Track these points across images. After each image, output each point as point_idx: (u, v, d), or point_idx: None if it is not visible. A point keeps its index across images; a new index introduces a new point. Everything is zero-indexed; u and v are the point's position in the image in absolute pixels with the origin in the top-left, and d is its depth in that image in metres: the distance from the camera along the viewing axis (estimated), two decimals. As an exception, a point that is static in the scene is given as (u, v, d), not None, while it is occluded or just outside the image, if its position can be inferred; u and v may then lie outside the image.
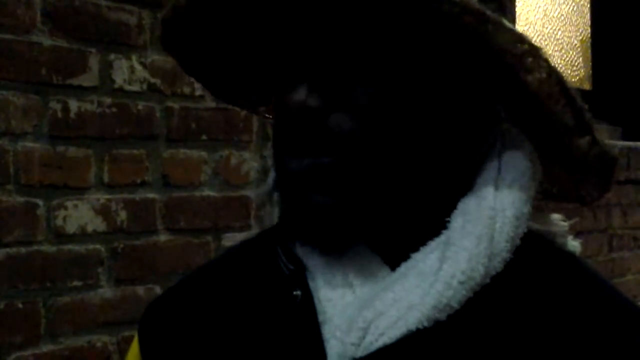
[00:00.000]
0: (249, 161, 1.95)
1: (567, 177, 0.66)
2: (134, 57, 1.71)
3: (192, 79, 1.80)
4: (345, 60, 0.60)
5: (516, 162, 0.64)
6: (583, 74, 3.45)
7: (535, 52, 0.57)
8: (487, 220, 0.61)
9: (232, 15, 0.68)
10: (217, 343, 0.68)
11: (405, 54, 0.60)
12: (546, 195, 0.69)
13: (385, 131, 0.60)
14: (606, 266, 3.10)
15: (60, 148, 1.60)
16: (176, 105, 1.80)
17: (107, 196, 1.67)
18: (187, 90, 1.81)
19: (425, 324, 0.59)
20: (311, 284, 0.64)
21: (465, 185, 0.65)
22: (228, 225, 1.90)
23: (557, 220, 0.69)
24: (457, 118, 0.63)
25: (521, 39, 0.57)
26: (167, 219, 1.78)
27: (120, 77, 1.69)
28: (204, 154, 1.86)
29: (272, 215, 0.71)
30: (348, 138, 0.60)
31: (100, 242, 1.66)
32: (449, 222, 0.63)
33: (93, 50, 1.65)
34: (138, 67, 1.72)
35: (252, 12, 0.68)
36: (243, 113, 1.93)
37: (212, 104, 1.87)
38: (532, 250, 0.64)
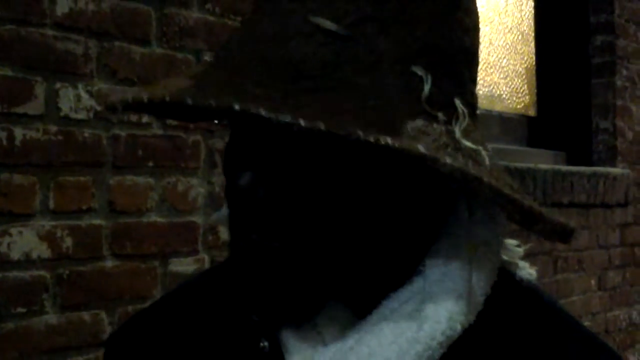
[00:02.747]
0: (197, 187, 1.97)
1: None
2: (80, 86, 1.73)
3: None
4: (285, 154, 0.61)
5: (482, 205, 0.66)
6: (528, 100, 3.53)
7: (478, 180, 0.59)
8: (466, 275, 0.62)
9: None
10: None
11: (352, 163, 0.61)
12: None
13: (330, 225, 0.61)
14: (551, 287, 3.16)
15: (5, 175, 1.61)
16: (123, 133, 1.82)
17: (53, 223, 1.68)
18: (133, 117, 1.84)
19: None
20: (279, 336, 0.64)
21: (433, 232, 0.65)
22: (175, 250, 1.92)
23: (512, 246, 0.71)
24: (407, 203, 0.64)
25: (464, 174, 0.58)
26: (113, 245, 1.79)
27: (66, 105, 1.71)
28: (150, 180, 1.88)
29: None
30: (292, 227, 0.61)
31: (46, 268, 1.67)
32: (422, 269, 0.63)
33: (39, 78, 1.67)
34: (84, 95, 1.74)
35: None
36: (191, 140, 1.96)
37: (160, 131, 1.89)
38: (499, 291, 0.65)
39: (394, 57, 0.59)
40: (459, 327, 0.61)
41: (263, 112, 0.55)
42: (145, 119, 1.86)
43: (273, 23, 0.60)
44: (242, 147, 0.63)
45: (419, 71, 0.60)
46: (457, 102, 0.61)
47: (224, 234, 2.02)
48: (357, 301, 0.65)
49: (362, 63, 0.59)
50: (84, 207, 1.74)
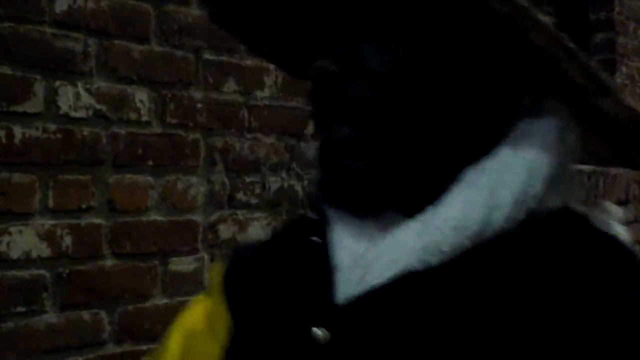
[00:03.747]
0: (196, 186, 1.97)
1: (606, 149, 0.67)
2: (79, 84, 1.73)
3: (140, 105, 1.82)
4: (363, 30, 0.63)
5: (540, 125, 0.64)
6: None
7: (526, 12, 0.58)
8: (493, 174, 0.62)
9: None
10: (265, 284, 0.73)
11: (424, 27, 0.62)
12: (597, 161, 0.69)
13: (404, 100, 0.62)
14: None
15: (5, 174, 1.60)
16: (122, 131, 1.81)
17: (52, 222, 1.68)
18: (133, 116, 1.83)
19: (416, 265, 0.61)
20: (331, 235, 0.67)
21: (489, 150, 0.64)
22: (175, 249, 1.92)
23: (609, 205, 0.69)
24: (479, 88, 0.64)
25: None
26: (113, 244, 1.79)
27: (65, 103, 1.70)
28: (150, 179, 1.87)
29: None
30: (368, 107, 0.62)
31: (45, 267, 1.66)
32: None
33: (38, 76, 1.66)
34: (83, 93, 1.73)
35: None
36: (190, 138, 1.95)
37: (159, 130, 1.88)
38: (559, 220, 0.63)
39: None
40: (476, 217, 0.60)
41: None
42: (144, 117, 1.85)
43: None
44: (316, 35, 0.65)
45: None
46: None
47: (223, 232, 2.02)
48: (410, 208, 0.65)
49: None
50: (84, 206, 1.73)
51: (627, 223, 0.67)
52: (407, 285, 0.61)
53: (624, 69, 3.69)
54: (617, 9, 3.60)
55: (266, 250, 0.77)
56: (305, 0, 0.69)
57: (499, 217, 0.61)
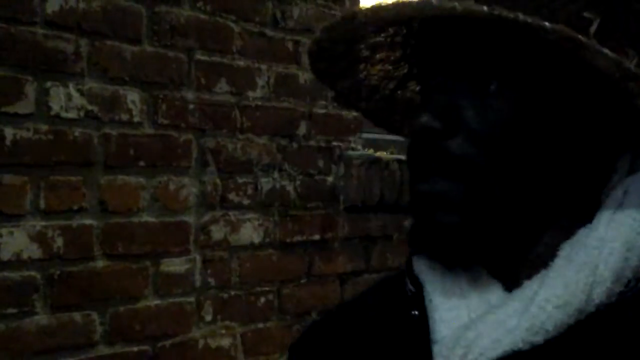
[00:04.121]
0: (188, 186, 1.96)
1: None
2: (70, 85, 1.72)
3: (132, 106, 1.82)
4: (466, 89, 0.64)
5: (636, 191, 0.65)
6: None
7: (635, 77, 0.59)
8: (592, 250, 0.63)
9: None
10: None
11: (523, 85, 0.63)
12: None
13: (502, 159, 0.63)
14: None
15: (-4, 175, 1.60)
16: (114, 132, 1.80)
17: (44, 223, 1.67)
18: (125, 116, 1.83)
19: (521, 345, 0.62)
20: (428, 305, 0.68)
21: (586, 215, 0.66)
22: (167, 250, 1.91)
23: None
24: (579, 148, 0.65)
25: (619, 63, 0.59)
26: (104, 245, 1.78)
27: (57, 104, 1.70)
28: (142, 179, 1.86)
29: None
30: (467, 163, 0.63)
31: (36, 269, 1.66)
32: (559, 251, 0.64)
33: (29, 77, 1.65)
34: (75, 94, 1.73)
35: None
36: (182, 139, 1.95)
37: (151, 130, 1.88)
38: None
39: None
40: (581, 296, 0.61)
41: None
42: (136, 117, 1.85)
43: None
44: (422, 94, 0.67)
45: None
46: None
47: (216, 233, 2.02)
48: (507, 278, 0.67)
49: None
50: (75, 207, 1.73)
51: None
52: None
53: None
54: None
55: (352, 323, 0.77)
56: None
57: (600, 293, 0.62)
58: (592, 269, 0.62)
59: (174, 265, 1.92)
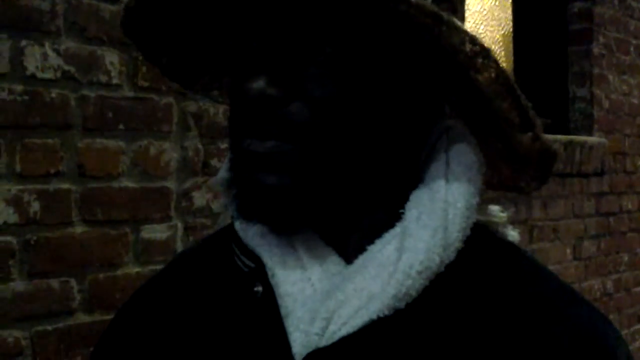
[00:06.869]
0: (169, 151, 1.91)
1: (509, 169, 0.71)
2: (47, 44, 1.66)
3: (111, 68, 1.76)
4: (302, 53, 0.63)
5: (463, 156, 0.68)
6: (505, 67, 3.50)
7: (485, 53, 0.61)
8: (440, 213, 0.65)
9: (192, 6, 0.71)
10: (185, 344, 0.70)
11: (361, 50, 0.63)
12: (488, 185, 0.73)
13: (339, 122, 0.63)
14: (527, 257, 3.15)
15: (-31, 137, 1.54)
16: (92, 94, 1.75)
17: (19, 187, 1.62)
18: (103, 78, 1.77)
19: (386, 312, 0.62)
20: (271, 281, 0.66)
21: (414, 178, 0.68)
22: (147, 217, 1.87)
23: (497, 211, 0.73)
24: (406, 112, 0.67)
25: (473, 40, 0.60)
26: (83, 210, 1.73)
27: (32, 64, 1.64)
28: (121, 143, 1.81)
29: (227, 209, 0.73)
30: (306, 127, 0.63)
31: (12, 234, 1.60)
32: (402, 213, 0.66)
33: (4, 36, 1.59)
34: (51, 53, 1.67)
35: (211, 5, 0.71)
36: (163, 102, 1.89)
37: (130, 93, 1.83)
38: (478, 240, 0.68)
39: None
40: (437, 259, 0.63)
41: None
42: (115, 79, 1.79)
43: None
44: (250, 56, 0.64)
45: None
46: None
47: (198, 200, 1.97)
48: (344, 245, 0.67)
49: None
50: (52, 171, 1.67)
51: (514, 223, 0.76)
52: (375, 332, 0.62)
53: (601, 39, 3.67)
54: (595, -22, 3.57)
55: (180, 301, 0.73)
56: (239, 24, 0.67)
57: (452, 254, 0.65)
58: (444, 232, 0.64)
59: (155, 231, 1.88)
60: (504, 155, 0.69)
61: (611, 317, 3.72)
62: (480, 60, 0.60)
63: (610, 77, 3.72)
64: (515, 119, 0.64)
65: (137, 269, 1.83)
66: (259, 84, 0.62)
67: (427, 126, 0.69)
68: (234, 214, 0.71)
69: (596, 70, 3.60)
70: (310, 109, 0.63)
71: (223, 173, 0.72)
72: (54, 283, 1.67)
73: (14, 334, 1.60)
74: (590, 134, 3.58)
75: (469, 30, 0.61)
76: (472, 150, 0.68)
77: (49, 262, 1.66)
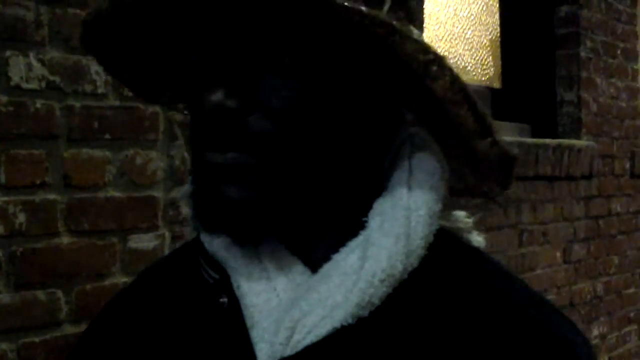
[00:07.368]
0: (156, 160, 1.91)
1: (473, 175, 0.71)
2: (31, 54, 1.65)
3: (96, 77, 1.75)
4: (260, 64, 0.63)
5: (426, 163, 0.68)
6: (493, 72, 3.51)
7: (439, 61, 0.61)
8: (403, 220, 0.65)
9: (150, 20, 0.70)
10: (152, 356, 0.70)
11: (320, 60, 0.64)
12: (453, 192, 0.73)
13: (299, 133, 0.63)
14: (516, 260, 3.15)
15: (-48, 148, 1.53)
16: (77, 104, 1.74)
17: (5, 198, 1.61)
18: (88, 87, 1.76)
19: (350, 320, 0.63)
20: (236, 292, 0.67)
21: (377, 187, 0.68)
22: (134, 226, 1.86)
23: (462, 217, 0.74)
24: (367, 121, 0.67)
25: (426, 49, 0.60)
26: (69, 221, 1.72)
27: (16, 74, 1.63)
28: (108, 153, 1.80)
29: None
30: (265, 138, 0.63)
31: (-2, 245, 1.59)
32: (366, 222, 0.66)
33: (-13, 46, 1.58)
34: (36, 64, 1.66)
35: (170, 17, 0.71)
36: (149, 111, 1.89)
37: (116, 102, 1.82)
38: (442, 246, 0.68)
39: None
40: (399, 266, 0.64)
41: None
42: (100, 89, 1.78)
43: None
44: (208, 68, 0.64)
45: None
46: None
47: (185, 209, 1.96)
48: (308, 254, 0.68)
49: None
50: (38, 182, 1.66)
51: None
52: (339, 340, 0.63)
53: (588, 43, 3.68)
54: (581, -18, 3.58)
55: (146, 315, 0.73)
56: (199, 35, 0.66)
57: (414, 261, 0.65)
58: (406, 239, 0.64)
59: (142, 241, 1.87)
60: (466, 161, 0.70)
61: (602, 320, 3.73)
62: (434, 68, 0.61)
63: (598, 81, 3.74)
64: (473, 125, 0.64)
65: (124, 279, 1.82)
66: (217, 96, 0.62)
67: (389, 134, 0.70)
68: (197, 226, 0.71)
69: (584, 74, 3.61)
70: (269, 120, 0.63)
71: (187, 186, 0.72)
72: (41, 294, 1.66)
73: (0, 346, 1.59)
74: (578, 137, 3.59)
75: (424, 38, 0.62)
76: (435, 157, 0.69)
77: (35, 274, 1.65)
